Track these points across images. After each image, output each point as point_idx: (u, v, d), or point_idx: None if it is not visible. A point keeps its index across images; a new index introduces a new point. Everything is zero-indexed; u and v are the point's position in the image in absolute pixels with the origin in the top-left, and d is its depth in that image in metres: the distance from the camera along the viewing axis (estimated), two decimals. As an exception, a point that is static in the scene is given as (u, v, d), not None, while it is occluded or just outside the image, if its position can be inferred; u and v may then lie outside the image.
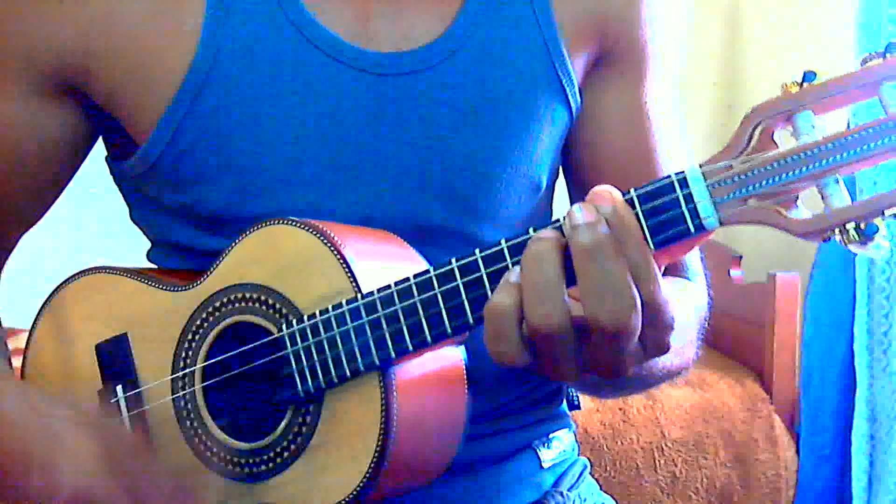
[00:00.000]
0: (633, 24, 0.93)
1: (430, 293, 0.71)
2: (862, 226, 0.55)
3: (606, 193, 0.66)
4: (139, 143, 0.86)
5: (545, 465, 0.97)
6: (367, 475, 0.73)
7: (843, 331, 2.27)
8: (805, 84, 0.57)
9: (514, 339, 0.66)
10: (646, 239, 0.65)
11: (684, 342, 0.87)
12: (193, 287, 0.81)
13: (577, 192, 1.00)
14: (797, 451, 2.22)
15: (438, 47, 0.87)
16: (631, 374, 0.68)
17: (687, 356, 0.89)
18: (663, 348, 0.68)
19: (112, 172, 0.94)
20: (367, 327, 0.73)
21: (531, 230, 0.68)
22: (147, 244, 0.98)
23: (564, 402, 1.02)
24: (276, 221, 0.78)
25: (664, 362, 0.84)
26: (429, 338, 0.71)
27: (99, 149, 0.95)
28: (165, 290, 0.83)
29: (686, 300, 0.90)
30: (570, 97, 0.91)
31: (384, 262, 0.79)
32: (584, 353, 0.66)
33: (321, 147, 0.85)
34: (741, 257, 2.45)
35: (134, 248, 1.00)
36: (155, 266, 0.95)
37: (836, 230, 0.57)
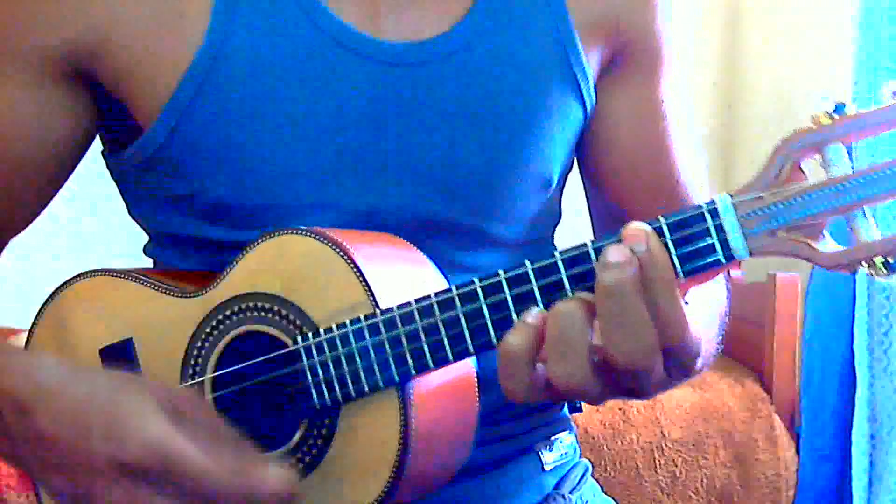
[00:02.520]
0: (647, 22, 0.93)
1: (452, 312, 0.70)
2: (890, 259, 0.56)
3: (640, 233, 0.65)
4: (144, 127, 0.86)
5: (547, 468, 0.97)
6: (387, 488, 0.73)
7: (844, 330, 2.27)
8: (836, 116, 0.57)
9: (525, 380, 0.67)
10: (675, 268, 0.65)
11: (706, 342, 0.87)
12: (202, 294, 0.81)
13: (593, 190, 1.01)
14: (797, 451, 2.23)
15: (449, 39, 0.87)
16: (655, 395, 0.69)
17: (709, 354, 0.89)
18: (689, 373, 0.68)
19: (109, 166, 0.94)
20: (387, 344, 0.72)
21: (556, 254, 0.68)
22: (144, 242, 0.97)
23: (566, 405, 1.03)
24: (290, 231, 0.77)
25: None
26: (450, 356, 0.71)
27: (96, 149, 0.94)
28: (172, 295, 0.82)
29: (706, 301, 0.90)
30: (584, 93, 0.91)
31: (399, 273, 0.78)
32: (606, 384, 0.67)
33: (326, 137, 0.84)
34: (741, 257, 2.44)
35: (133, 247, 1.00)
36: (153, 260, 0.95)
37: (864, 263, 0.57)
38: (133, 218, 0.96)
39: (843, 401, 2.27)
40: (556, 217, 0.99)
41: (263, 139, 0.84)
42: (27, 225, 0.94)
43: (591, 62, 0.91)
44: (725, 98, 2.79)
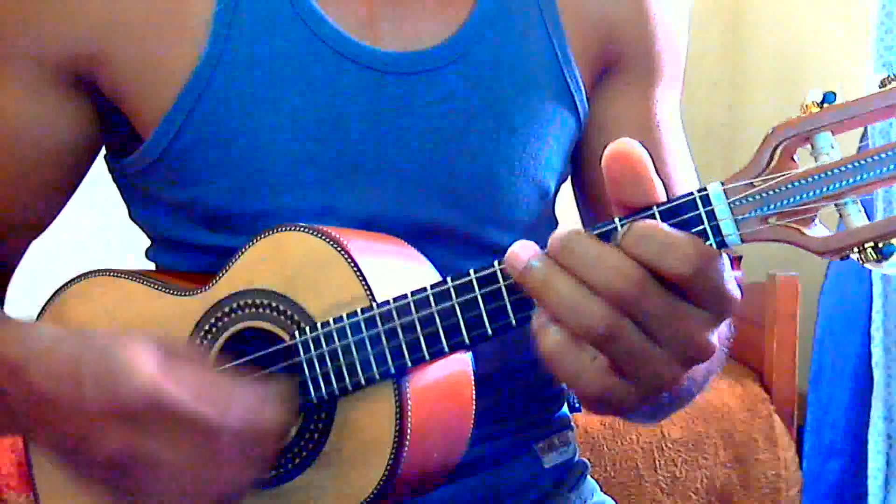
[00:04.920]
0: (641, 32, 0.94)
1: (448, 303, 0.71)
2: (880, 245, 0.56)
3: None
4: (144, 137, 0.86)
5: (546, 466, 0.98)
6: (382, 482, 0.73)
7: (858, 329, 2.25)
8: (825, 105, 0.57)
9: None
10: None
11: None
12: (201, 292, 0.81)
13: (582, 197, 1.01)
14: (797, 451, 2.23)
15: (445, 50, 0.87)
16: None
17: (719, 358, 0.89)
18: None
19: (111, 170, 0.94)
20: (383, 336, 0.73)
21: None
22: (146, 243, 0.98)
23: (565, 403, 1.03)
24: (287, 227, 0.78)
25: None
26: (446, 347, 0.71)
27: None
28: (171, 293, 0.83)
29: None
30: (577, 103, 0.92)
31: (395, 268, 0.79)
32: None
33: (324, 145, 0.85)
34: (741, 257, 2.44)
35: (133, 248, 1.00)
36: (154, 264, 0.96)
37: (855, 249, 0.58)
38: (134, 221, 0.97)
39: (858, 399, 2.26)
40: (553, 225, 0.99)
41: (263, 147, 0.85)
42: (41, 231, 0.94)
43: (584, 72, 0.92)
44: (725, 98, 2.79)
